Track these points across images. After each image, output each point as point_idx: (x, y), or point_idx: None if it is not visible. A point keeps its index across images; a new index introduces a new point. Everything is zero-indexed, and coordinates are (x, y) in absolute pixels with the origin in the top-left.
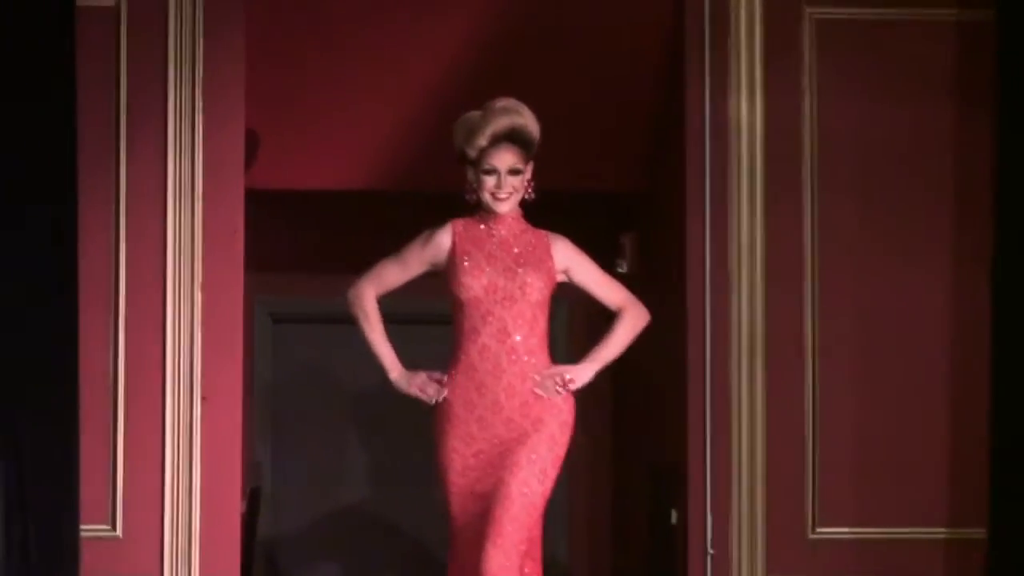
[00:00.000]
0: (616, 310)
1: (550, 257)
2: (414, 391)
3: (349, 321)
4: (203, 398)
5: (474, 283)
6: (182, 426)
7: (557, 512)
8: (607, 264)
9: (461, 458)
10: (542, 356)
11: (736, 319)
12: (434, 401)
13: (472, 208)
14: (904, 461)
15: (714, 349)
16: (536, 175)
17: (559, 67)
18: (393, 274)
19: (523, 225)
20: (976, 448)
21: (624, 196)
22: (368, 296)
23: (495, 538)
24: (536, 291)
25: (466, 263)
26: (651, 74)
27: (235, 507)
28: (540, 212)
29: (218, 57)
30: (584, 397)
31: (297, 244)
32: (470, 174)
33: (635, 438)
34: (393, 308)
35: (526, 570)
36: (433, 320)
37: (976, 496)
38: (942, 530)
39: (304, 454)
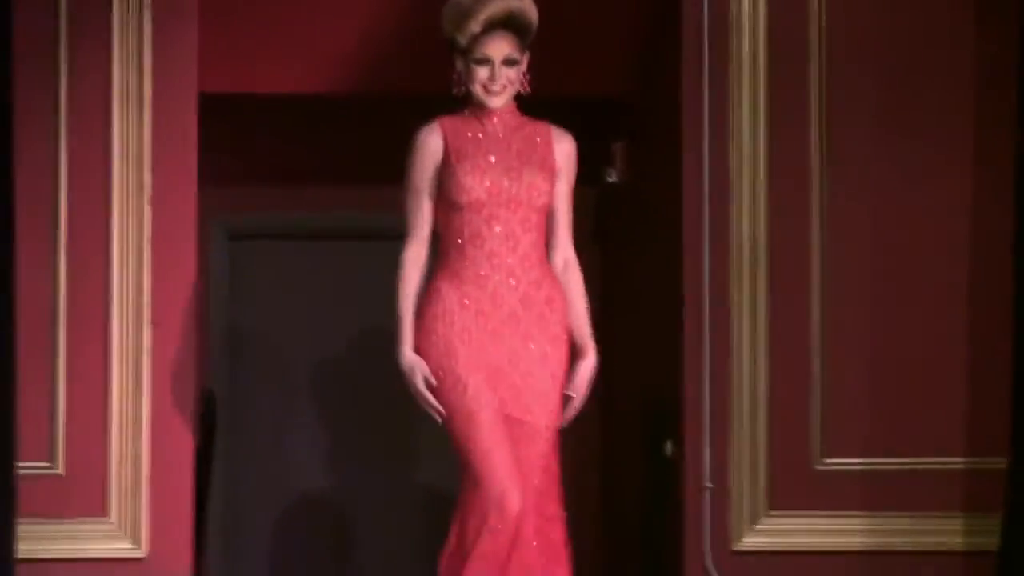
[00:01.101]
0: (560, 260)
1: (552, 154)
2: (419, 382)
3: (312, 236)
4: (153, 324)
5: (476, 184)
6: (129, 354)
7: None
8: (595, 175)
9: (482, 371)
10: (549, 268)
11: (736, 234)
12: (437, 418)
13: (459, 104)
14: (919, 386)
15: (712, 267)
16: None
17: None
18: (420, 213)
19: (519, 118)
20: (997, 372)
21: (613, 100)
22: (408, 257)
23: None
24: (543, 194)
25: (465, 163)
26: None
27: (187, 442)
28: None
29: None
30: None
31: (255, 154)
32: (459, 64)
33: (627, 362)
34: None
35: (549, 511)
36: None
37: (997, 423)
38: (960, 460)
39: (264, 384)
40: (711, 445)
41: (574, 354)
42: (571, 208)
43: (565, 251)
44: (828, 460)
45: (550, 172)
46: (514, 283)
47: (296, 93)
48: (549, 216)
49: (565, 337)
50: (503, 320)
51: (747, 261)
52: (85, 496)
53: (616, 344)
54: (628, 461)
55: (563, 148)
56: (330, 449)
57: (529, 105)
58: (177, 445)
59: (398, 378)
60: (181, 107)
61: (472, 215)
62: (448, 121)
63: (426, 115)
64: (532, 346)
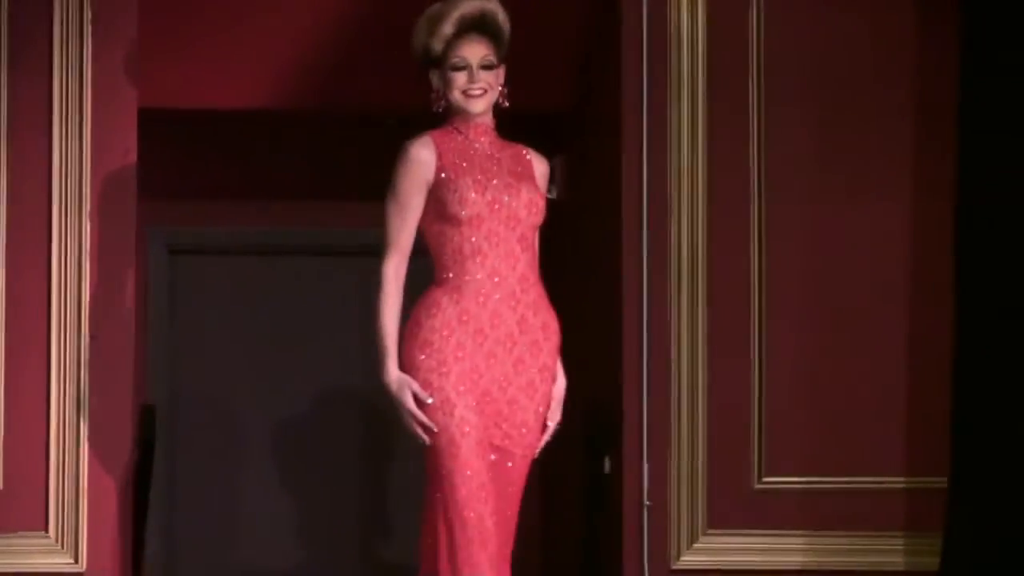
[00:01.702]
0: None
1: (533, 176)
2: (408, 400)
3: (254, 252)
4: (91, 337)
5: (478, 198)
6: (68, 368)
7: None
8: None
9: (471, 394)
10: (543, 291)
11: (676, 250)
12: (424, 439)
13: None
14: (858, 405)
15: (651, 282)
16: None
17: None
18: (404, 228)
19: (499, 137)
20: (937, 391)
21: (553, 115)
22: (389, 273)
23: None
24: (539, 212)
25: (465, 177)
26: None
27: (126, 455)
28: None
29: None
30: None
31: (194, 168)
32: (435, 79)
33: (567, 378)
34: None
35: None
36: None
37: (936, 443)
38: (899, 479)
39: (204, 396)
40: (650, 462)
41: None
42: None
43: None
44: (768, 479)
45: (539, 192)
46: (514, 304)
47: (235, 108)
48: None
49: (555, 369)
50: (499, 341)
51: (686, 277)
52: (24, 510)
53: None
54: (567, 478)
55: (540, 171)
56: (273, 464)
57: None
58: (116, 460)
59: (338, 391)
60: (121, 121)
61: (472, 230)
62: (439, 135)
63: (366, 131)
64: (523, 374)
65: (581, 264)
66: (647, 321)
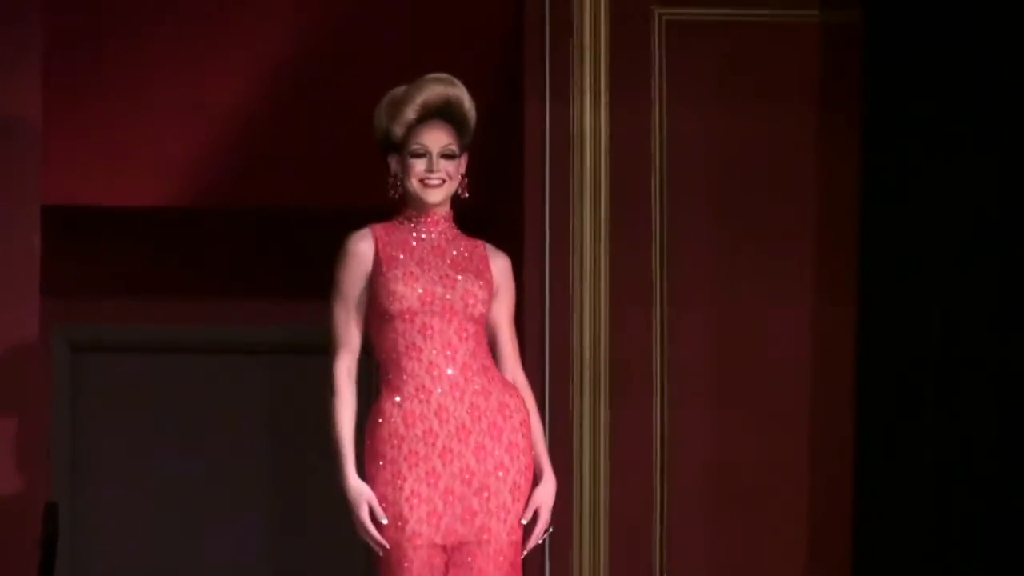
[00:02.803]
0: (508, 376)
1: (488, 269)
2: (364, 514)
3: (156, 349)
4: None
5: (407, 291)
6: None
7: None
8: None
9: (426, 503)
10: (497, 374)
11: (578, 351)
12: (380, 550)
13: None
14: (761, 506)
15: (553, 383)
16: (362, 191)
17: (386, 76)
18: (350, 323)
19: (455, 230)
20: (838, 492)
21: (457, 212)
22: (340, 372)
23: None
24: (480, 303)
25: (396, 269)
26: (487, 78)
27: (30, 554)
28: (348, 229)
29: (12, 61)
30: None
31: (98, 266)
32: (393, 164)
33: None
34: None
35: None
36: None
37: (837, 543)
38: None
39: (108, 497)
40: (551, 561)
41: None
42: (514, 331)
43: (514, 374)
44: None
45: (487, 284)
46: (458, 395)
47: (140, 206)
48: (492, 338)
49: (526, 445)
50: (451, 435)
51: (588, 377)
52: None
53: None
54: None
55: (499, 265)
56: (176, 564)
57: (372, 216)
58: (19, 556)
59: (243, 491)
60: (24, 219)
61: (405, 325)
62: (380, 227)
63: (271, 228)
64: (487, 459)
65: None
66: (549, 422)
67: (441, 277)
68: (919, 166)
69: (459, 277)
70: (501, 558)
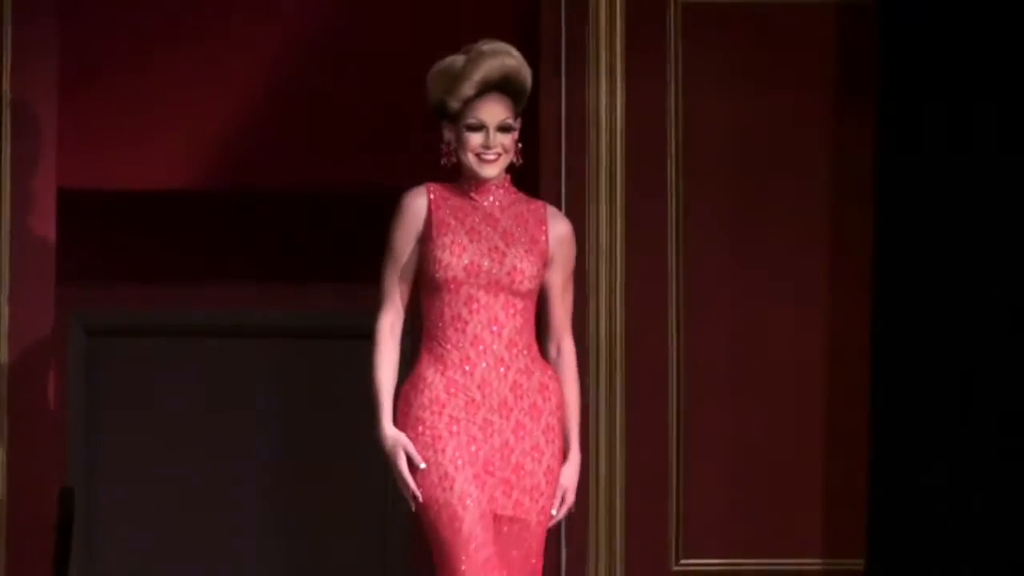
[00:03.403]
0: (553, 349)
1: (544, 235)
2: (401, 461)
3: (174, 333)
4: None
5: (453, 260)
6: None
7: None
8: None
9: (471, 465)
10: (539, 355)
11: (594, 331)
12: (414, 497)
13: (449, 174)
14: (776, 487)
15: None
16: (362, 174)
17: (402, 55)
18: (397, 281)
19: (513, 194)
20: (854, 476)
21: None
22: (383, 327)
23: None
24: (528, 279)
25: (445, 236)
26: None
27: (46, 538)
28: (363, 214)
29: (28, 43)
30: None
31: (114, 250)
32: (447, 132)
33: None
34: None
35: None
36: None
37: (853, 525)
38: (818, 561)
39: (123, 478)
40: (567, 544)
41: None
42: (570, 295)
43: (560, 340)
44: (685, 561)
45: (540, 256)
46: (503, 371)
47: (156, 190)
48: (542, 303)
49: (560, 428)
50: (493, 409)
51: (604, 360)
52: None
53: None
54: None
55: (557, 231)
56: (192, 545)
57: (381, 199)
58: (35, 542)
59: (256, 471)
60: (40, 202)
61: (451, 295)
62: (437, 187)
63: (288, 211)
64: (525, 438)
65: None
66: None
67: (490, 250)
68: (936, 152)
69: (509, 251)
70: (529, 536)
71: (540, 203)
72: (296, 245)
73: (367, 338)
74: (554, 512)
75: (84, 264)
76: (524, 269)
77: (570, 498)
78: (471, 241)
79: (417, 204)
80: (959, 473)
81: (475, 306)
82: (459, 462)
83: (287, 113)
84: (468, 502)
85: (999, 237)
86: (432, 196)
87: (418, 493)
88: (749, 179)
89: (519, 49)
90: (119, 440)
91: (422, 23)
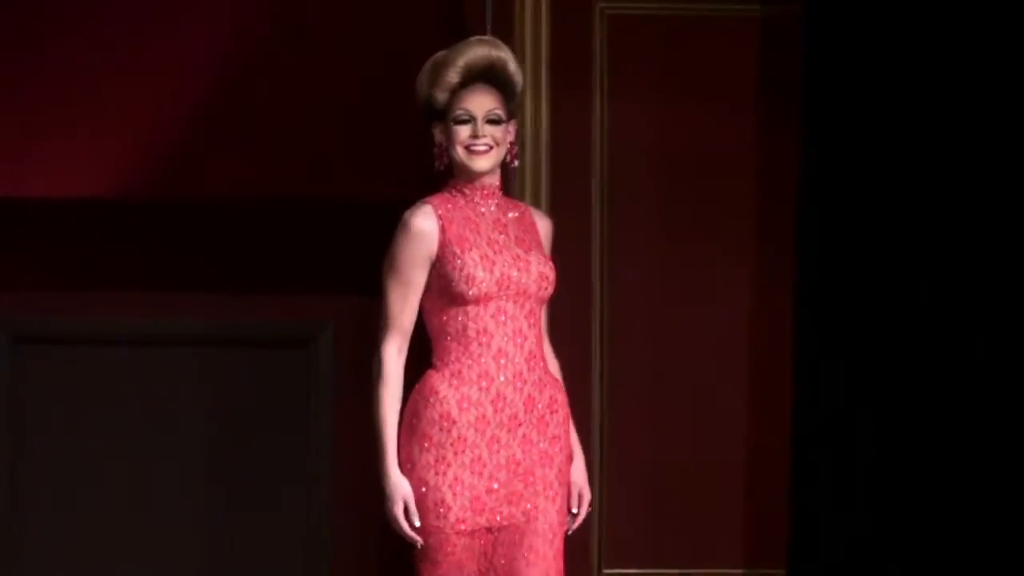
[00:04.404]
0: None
1: (539, 239)
2: (399, 511)
3: (102, 342)
4: None
5: (486, 276)
6: None
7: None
8: (378, 278)
9: (469, 489)
10: (547, 368)
11: None
12: (417, 543)
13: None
14: (698, 496)
15: None
16: (293, 181)
17: (326, 66)
18: (406, 306)
19: (504, 199)
20: (775, 483)
21: (393, 202)
22: (390, 356)
23: None
24: (550, 285)
25: (472, 251)
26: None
27: None
28: (295, 225)
29: None
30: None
31: (39, 257)
32: (437, 134)
33: None
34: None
35: None
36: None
37: (774, 533)
38: (739, 570)
39: (51, 488)
40: None
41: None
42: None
43: (545, 345)
44: (608, 570)
45: (548, 259)
46: (520, 385)
47: (81, 197)
48: None
49: (566, 440)
50: (502, 424)
51: None
52: None
53: None
54: (406, 568)
55: (545, 230)
56: (125, 556)
57: (304, 209)
58: None
59: (191, 481)
60: None
61: (478, 310)
62: (440, 202)
63: (212, 220)
64: (532, 450)
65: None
66: None
67: (514, 259)
68: (858, 160)
69: (530, 257)
70: (551, 534)
71: (523, 205)
72: (228, 254)
73: (297, 347)
74: (575, 511)
75: (8, 271)
76: (548, 274)
77: (587, 495)
78: (495, 253)
79: (426, 226)
80: (880, 479)
81: (502, 318)
82: (458, 488)
83: (220, 119)
84: (461, 528)
85: (923, 241)
86: (440, 213)
87: (418, 539)
88: (674, 189)
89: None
90: (46, 449)
91: (352, 40)
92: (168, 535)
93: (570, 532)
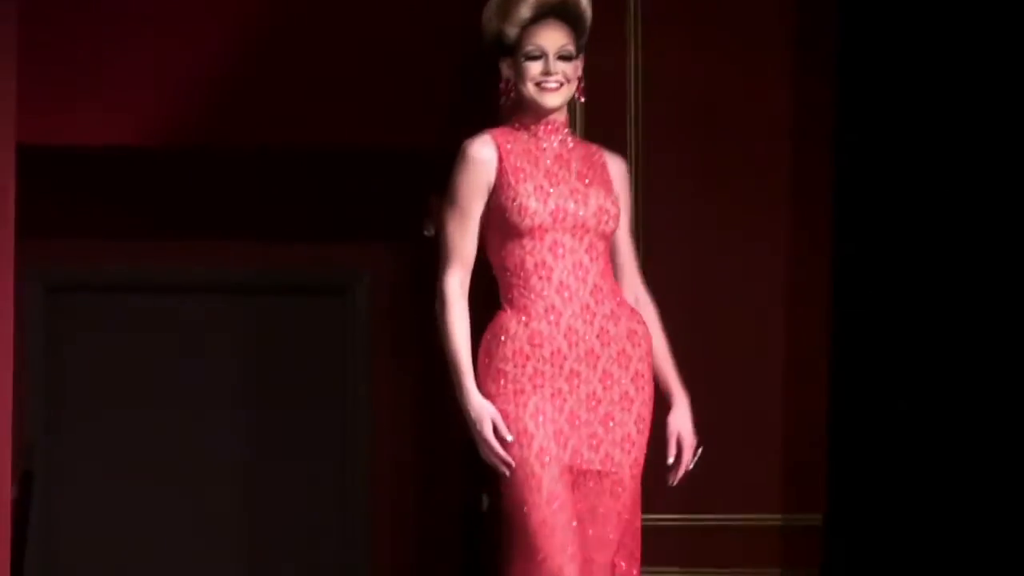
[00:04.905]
0: (631, 297)
1: (609, 178)
2: (488, 431)
3: (131, 289)
4: None
5: (539, 207)
6: None
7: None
8: (414, 227)
9: (552, 422)
10: (623, 299)
11: None
12: (507, 469)
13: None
14: (735, 443)
15: None
16: (328, 129)
17: (350, 10)
18: (466, 237)
19: (573, 136)
20: (811, 429)
21: (429, 152)
22: (452, 286)
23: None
24: (613, 219)
25: (527, 183)
26: (457, 11)
27: (4, 503)
28: (331, 173)
29: None
30: (391, 375)
31: (73, 206)
32: (505, 68)
33: (443, 416)
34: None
35: (622, 564)
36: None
37: (812, 480)
38: (776, 516)
39: (84, 441)
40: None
41: (661, 399)
42: (632, 241)
43: (635, 287)
44: (645, 516)
45: (614, 195)
46: (589, 318)
47: (116, 146)
48: (613, 249)
49: (650, 375)
50: (579, 359)
51: None
52: None
53: (432, 397)
54: (446, 514)
55: (617, 170)
56: (156, 501)
57: (341, 157)
58: None
59: (218, 428)
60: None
61: (535, 242)
62: (501, 133)
63: (246, 169)
64: (613, 388)
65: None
66: None
67: (572, 191)
68: (894, 113)
69: (589, 191)
70: (621, 490)
71: (594, 146)
72: (258, 201)
73: (332, 295)
74: (670, 461)
75: (43, 220)
76: (609, 208)
77: (690, 439)
78: (552, 185)
79: (484, 154)
80: (918, 430)
81: (560, 251)
82: (540, 418)
83: (246, 71)
84: (546, 459)
85: (961, 197)
86: (499, 143)
87: (511, 461)
88: (709, 137)
89: (477, 5)
90: (79, 396)
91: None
92: (202, 483)
93: (674, 484)
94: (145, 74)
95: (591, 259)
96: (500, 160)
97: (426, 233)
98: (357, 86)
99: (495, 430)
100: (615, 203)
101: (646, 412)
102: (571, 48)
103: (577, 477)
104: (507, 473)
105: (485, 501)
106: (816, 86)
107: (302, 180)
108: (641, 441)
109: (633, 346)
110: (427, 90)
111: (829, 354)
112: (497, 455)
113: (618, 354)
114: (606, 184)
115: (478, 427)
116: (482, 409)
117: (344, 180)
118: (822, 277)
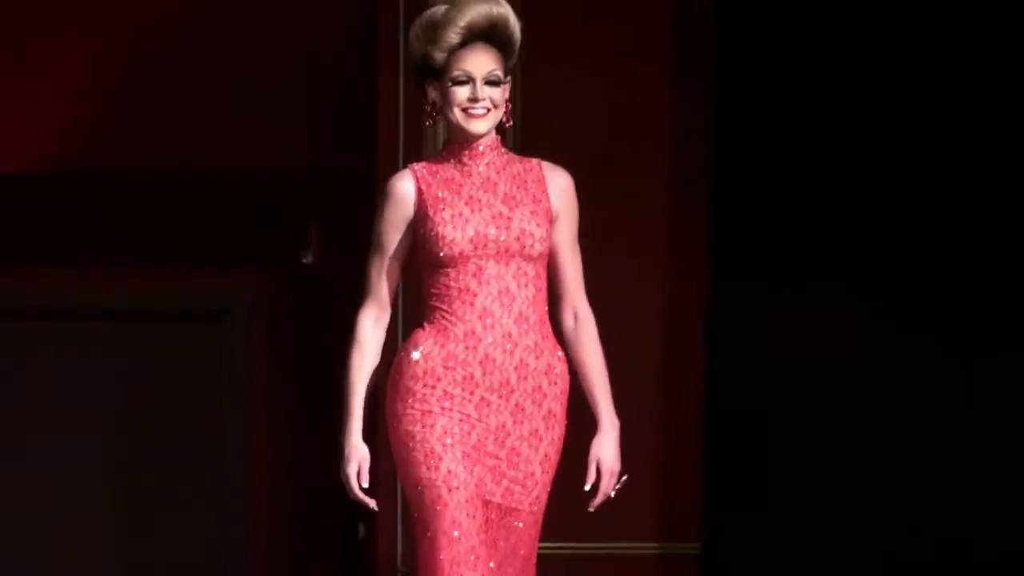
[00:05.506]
0: (569, 316)
1: (545, 193)
2: (351, 469)
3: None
4: None
5: (456, 234)
6: None
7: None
8: (290, 256)
9: (460, 445)
10: (550, 332)
11: None
12: (372, 506)
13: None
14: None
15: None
16: (206, 154)
17: (235, 30)
18: (383, 274)
19: (506, 155)
20: (688, 458)
21: (308, 178)
22: (364, 322)
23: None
24: (538, 242)
25: (443, 211)
26: (338, 32)
27: None
28: (208, 198)
29: None
30: (269, 401)
31: None
32: (431, 92)
33: (324, 445)
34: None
35: None
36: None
37: (688, 509)
38: (653, 544)
39: None
40: (403, 528)
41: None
42: (578, 254)
43: (575, 305)
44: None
45: (545, 216)
46: (510, 348)
47: None
48: (551, 266)
49: (563, 415)
50: (492, 388)
51: None
52: None
53: (312, 422)
54: (322, 543)
55: (557, 184)
56: (30, 537)
57: (219, 182)
58: None
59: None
60: None
61: (458, 271)
62: (422, 165)
63: (121, 194)
64: (524, 423)
65: (341, 330)
66: None
67: (494, 217)
68: (773, 124)
69: (513, 215)
70: (521, 526)
71: (534, 160)
72: (131, 228)
73: (208, 320)
74: (587, 488)
75: None
76: (533, 231)
77: (611, 466)
78: (472, 211)
79: (402, 189)
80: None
81: (484, 277)
82: (448, 440)
83: (120, 97)
84: (454, 483)
85: (829, 199)
86: (418, 175)
87: (372, 503)
88: (587, 159)
89: (359, 24)
90: None
91: (263, 25)
92: (75, 510)
93: (592, 509)
94: (14, 100)
95: (519, 285)
96: (419, 193)
97: (304, 261)
98: (236, 111)
99: (359, 473)
100: (541, 224)
101: (553, 452)
102: (499, 73)
103: (482, 507)
104: (375, 509)
105: (362, 530)
106: (694, 102)
107: (178, 205)
108: (545, 480)
109: (550, 384)
110: (308, 115)
111: (704, 375)
112: (357, 497)
113: (533, 390)
114: (536, 204)
115: (344, 464)
116: (352, 450)
117: (221, 205)
118: (699, 299)
